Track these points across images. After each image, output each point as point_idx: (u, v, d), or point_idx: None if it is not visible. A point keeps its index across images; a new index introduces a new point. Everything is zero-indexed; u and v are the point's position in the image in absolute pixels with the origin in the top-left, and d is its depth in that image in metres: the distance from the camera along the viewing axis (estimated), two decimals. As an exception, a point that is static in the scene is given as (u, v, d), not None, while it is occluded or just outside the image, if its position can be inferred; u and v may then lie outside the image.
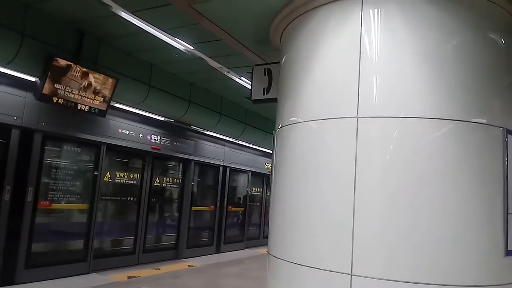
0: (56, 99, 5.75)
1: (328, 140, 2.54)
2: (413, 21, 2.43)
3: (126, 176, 7.69)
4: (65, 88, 5.81)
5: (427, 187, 2.26)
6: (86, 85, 6.05)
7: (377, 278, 2.23)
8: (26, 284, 5.63)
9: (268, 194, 12.36)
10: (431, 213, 2.24)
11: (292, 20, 2.97)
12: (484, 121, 2.38)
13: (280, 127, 2.97)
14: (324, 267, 2.39)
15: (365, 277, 2.26)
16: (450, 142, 2.31)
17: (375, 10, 2.50)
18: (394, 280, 2.20)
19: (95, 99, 6.25)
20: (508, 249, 2.32)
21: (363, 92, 2.42)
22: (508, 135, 2.41)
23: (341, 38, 2.60)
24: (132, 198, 7.86)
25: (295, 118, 2.79)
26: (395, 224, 2.26)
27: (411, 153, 2.31)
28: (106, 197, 7.29)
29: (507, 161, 2.38)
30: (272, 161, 3.10)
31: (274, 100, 3.47)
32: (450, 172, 2.28)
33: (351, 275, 2.29)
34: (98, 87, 6.20)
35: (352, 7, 2.56)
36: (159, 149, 8.20)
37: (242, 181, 11.63)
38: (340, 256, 2.33)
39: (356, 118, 2.40)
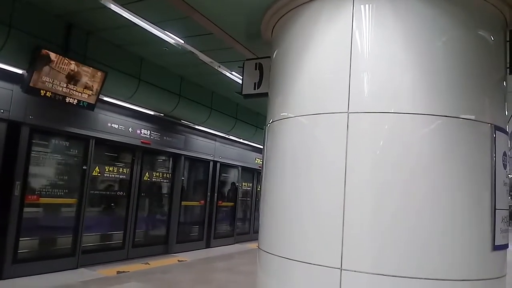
0: (44, 92, 5.66)
1: (319, 135, 2.54)
2: (404, 17, 2.44)
3: (115, 171, 7.63)
4: (53, 81, 5.72)
5: (417, 182, 2.28)
6: (74, 78, 5.97)
7: (366, 273, 2.25)
8: (14, 279, 5.57)
9: (258, 189, 12.38)
10: (420, 209, 2.26)
11: (284, 15, 2.95)
12: (473, 117, 2.40)
13: (271, 122, 2.96)
14: (314, 262, 2.40)
15: (355, 271, 2.27)
16: (439, 138, 2.33)
17: (367, 5, 2.50)
18: (384, 275, 2.21)
19: (84, 93, 6.17)
20: (495, 244, 2.36)
21: (353, 88, 2.42)
22: (497, 132, 2.44)
23: (332, 33, 2.60)
24: (121, 192, 7.80)
25: (286, 113, 2.78)
26: (385, 219, 2.27)
27: (401, 149, 2.32)
28: (95, 192, 7.23)
29: (495, 157, 2.40)
30: (263, 156, 3.10)
31: (265, 95, 3.46)
32: (439, 168, 2.30)
33: (341, 270, 2.30)
34: (86, 80, 6.12)
35: (343, 2, 2.56)
36: (149, 144, 8.15)
37: (233, 176, 11.62)
38: (330, 251, 2.35)
39: (346, 113, 2.41)
